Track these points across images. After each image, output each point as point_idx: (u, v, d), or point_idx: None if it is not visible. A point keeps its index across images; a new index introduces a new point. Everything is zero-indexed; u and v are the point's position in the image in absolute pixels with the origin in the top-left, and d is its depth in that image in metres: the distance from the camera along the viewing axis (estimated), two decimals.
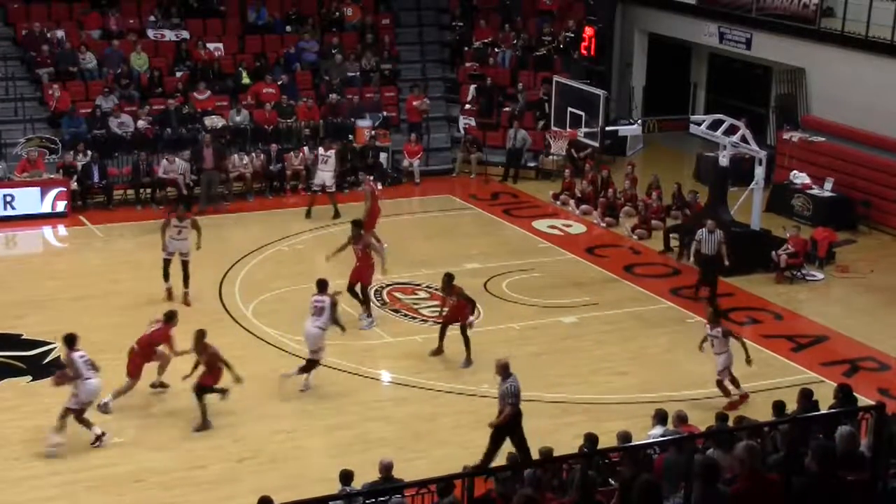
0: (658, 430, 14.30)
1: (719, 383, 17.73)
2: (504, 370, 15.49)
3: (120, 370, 17.67)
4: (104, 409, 16.80)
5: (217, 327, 19.95)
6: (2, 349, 19.01)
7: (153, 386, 17.64)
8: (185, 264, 21.02)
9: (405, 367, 18.92)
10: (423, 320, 20.76)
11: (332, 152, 26.31)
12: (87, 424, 16.09)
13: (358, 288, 20.38)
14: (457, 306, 18.99)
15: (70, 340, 16.14)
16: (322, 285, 18.18)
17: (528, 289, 22.29)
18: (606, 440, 13.94)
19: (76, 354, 16.02)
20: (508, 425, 15.30)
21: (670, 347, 20.09)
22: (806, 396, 14.63)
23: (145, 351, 17.31)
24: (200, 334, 16.91)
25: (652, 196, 26.24)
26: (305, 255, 23.94)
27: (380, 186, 27.59)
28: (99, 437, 16.10)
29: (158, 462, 15.82)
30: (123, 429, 16.60)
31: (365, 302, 20.48)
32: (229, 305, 21.07)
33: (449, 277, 19.24)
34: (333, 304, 17.95)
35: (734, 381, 17.74)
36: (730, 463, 9.87)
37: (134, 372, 17.22)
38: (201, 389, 16.66)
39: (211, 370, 16.74)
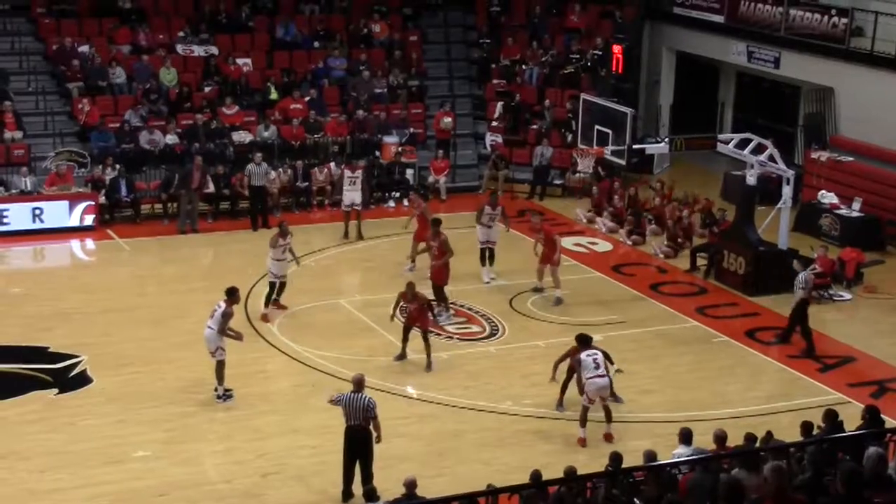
0: (683, 449, 14.21)
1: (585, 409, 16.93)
2: (358, 385, 15.28)
3: (145, 382, 17.74)
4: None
5: (242, 342, 20.04)
6: (29, 362, 19.07)
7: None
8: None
9: (429, 384, 18.88)
10: (448, 337, 20.74)
11: (359, 172, 26.06)
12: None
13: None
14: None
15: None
16: None
17: (554, 306, 22.26)
18: (632, 459, 13.86)
19: None
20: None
21: (696, 367, 19.98)
22: (831, 417, 14.51)
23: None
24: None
25: (683, 213, 26.15)
26: (331, 271, 23.97)
27: (405, 203, 27.55)
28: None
29: (183, 476, 15.83)
30: (148, 443, 16.64)
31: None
32: (255, 321, 21.08)
33: None
34: None
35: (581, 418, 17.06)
36: (756, 483, 9.80)
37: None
38: None
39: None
